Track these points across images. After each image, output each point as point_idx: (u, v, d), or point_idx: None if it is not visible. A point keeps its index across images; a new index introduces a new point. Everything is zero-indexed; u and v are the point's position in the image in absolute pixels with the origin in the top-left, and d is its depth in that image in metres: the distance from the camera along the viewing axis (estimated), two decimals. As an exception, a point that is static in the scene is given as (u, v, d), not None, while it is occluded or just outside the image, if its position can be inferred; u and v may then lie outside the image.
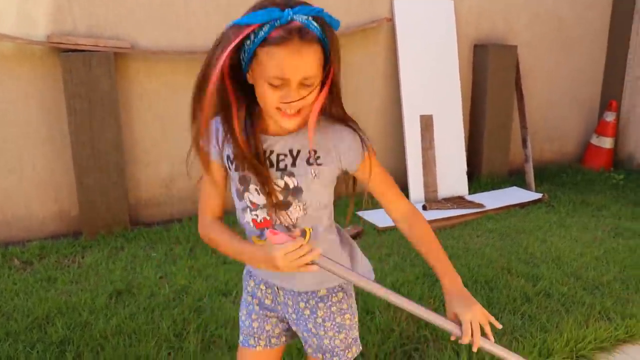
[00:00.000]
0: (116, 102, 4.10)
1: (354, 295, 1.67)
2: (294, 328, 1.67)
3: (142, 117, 4.38)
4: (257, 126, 1.42)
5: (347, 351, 1.62)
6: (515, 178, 5.78)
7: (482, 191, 5.38)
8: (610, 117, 6.26)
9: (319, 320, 1.58)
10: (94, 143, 4.06)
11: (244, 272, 1.73)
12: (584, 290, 3.35)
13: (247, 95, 1.38)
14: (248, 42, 1.27)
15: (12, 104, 3.99)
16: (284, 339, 1.71)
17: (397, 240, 4.12)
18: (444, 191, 5.18)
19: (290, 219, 1.46)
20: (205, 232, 1.55)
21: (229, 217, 1.58)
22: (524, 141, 5.66)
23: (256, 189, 1.45)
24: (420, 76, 5.15)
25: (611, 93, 6.43)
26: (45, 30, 3.98)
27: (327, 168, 1.42)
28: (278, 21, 1.23)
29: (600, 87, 6.53)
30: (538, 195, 5.20)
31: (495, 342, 1.47)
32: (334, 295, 1.59)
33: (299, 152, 1.41)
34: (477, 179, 5.61)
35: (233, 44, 1.26)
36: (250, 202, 1.48)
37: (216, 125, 1.47)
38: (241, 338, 1.71)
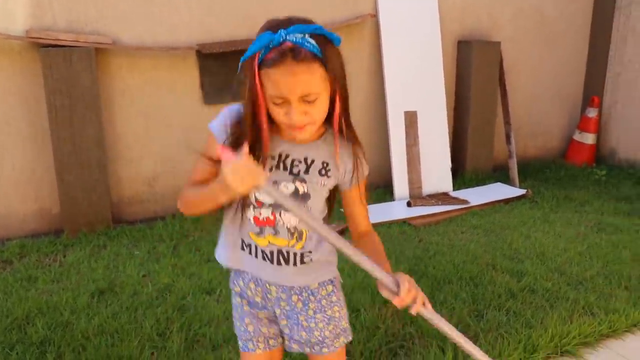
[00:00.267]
0: (97, 98, 4.04)
1: (341, 287, 1.71)
2: (281, 324, 1.66)
3: (125, 113, 4.33)
4: (275, 130, 1.46)
5: (335, 340, 1.67)
6: (499, 174, 5.81)
7: (467, 187, 5.39)
8: (592, 113, 6.30)
9: (310, 312, 1.61)
10: (75, 139, 4.00)
11: (231, 275, 1.70)
12: (568, 286, 3.36)
13: None
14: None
15: (-9, 100, 3.92)
16: (280, 339, 1.71)
17: (382, 236, 4.10)
18: (428, 188, 5.18)
19: (291, 222, 1.52)
20: (180, 196, 1.53)
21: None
22: (508, 137, 5.68)
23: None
24: (405, 72, 5.14)
25: (593, 89, 6.48)
26: (24, 25, 3.91)
27: (332, 181, 1.53)
28: (271, 44, 1.30)
29: (583, 82, 6.58)
30: (522, 191, 5.23)
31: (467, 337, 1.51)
32: (323, 288, 1.63)
33: (313, 161, 1.49)
34: (462, 175, 5.63)
35: (256, 75, 1.32)
36: (256, 199, 1.51)
37: (230, 112, 1.50)
38: (240, 344, 1.71)
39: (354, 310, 2.97)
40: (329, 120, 1.46)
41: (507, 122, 5.70)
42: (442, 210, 4.73)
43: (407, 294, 1.40)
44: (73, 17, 4.03)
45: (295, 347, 1.67)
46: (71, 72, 3.91)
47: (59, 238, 4.05)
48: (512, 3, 5.83)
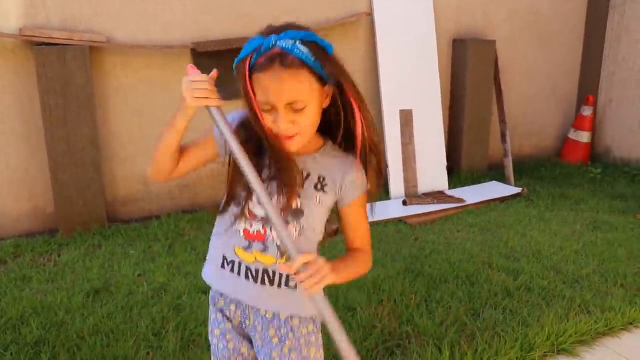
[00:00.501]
0: (92, 97, 4.02)
1: (320, 328, 1.58)
2: (256, 354, 1.57)
3: (119, 112, 4.31)
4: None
5: None
6: (495, 173, 5.81)
7: (462, 186, 5.39)
8: (587, 111, 6.32)
9: (286, 350, 1.50)
10: (70, 139, 3.98)
11: (211, 292, 1.63)
12: (564, 284, 3.36)
13: None
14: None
15: (-16, 99, 3.90)
16: None
17: (378, 235, 4.11)
18: (424, 186, 5.18)
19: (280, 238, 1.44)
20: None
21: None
22: (503, 136, 5.68)
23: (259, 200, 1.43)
24: (400, 71, 5.14)
25: (588, 88, 6.49)
26: (18, 23, 3.89)
27: (330, 197, 1.45)
28: (261, 49, 1.28)
29: (578, 81, 6.59)
30: (518, 190, 5.23)
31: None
32: (304, 326, 1.52)
33: (309, 175, 1.43)
34: (457, 174, 5.63)
35: (247, 77, 1.31)
36: (249, 211, 1.45)
37: (233, 117, 1.47)
38: None
39: (350, 310, 2.96)
40: (327, 132, 1.44)
41: (502, 121, 5.70)
42: (438, 209, 4.72)
43: (298, 264, 1.29)
44: (67, 15, 4.01)
45: None
46: (65, 70, 3.88)
47: (53, 238, 4.03)
48: (507, 2, 5.83)
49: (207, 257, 1.60)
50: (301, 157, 1.42)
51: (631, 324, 2.98)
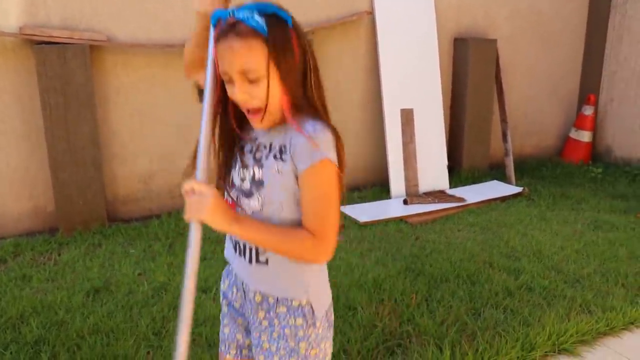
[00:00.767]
0: (92, 96, 4.02)
1: (324, 333, 1.50)
2: (253, 336, 1.55)
3: (119, 111, 4.30)
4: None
5: None
6: (496, 172, 5.80)
7: (463, 185, 5.39)
8: (588, 110, 6.31)
9: (275, 334, 1.47)
10: (70, 137, 3.97)
11: (223, 271, 1.65)
12: (565, 284, 3.36)
13: None
14: None
15: (-16, 97, 3.89)
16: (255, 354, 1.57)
17: (379, 235, 4.11)
18: (425, 185, 5.17)
19: (247, 210, 1.44)
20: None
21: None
22: (504, 135, 5.67)
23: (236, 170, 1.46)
24: (401, 70, 5.13)
25: (589, 87, 6.48)
26: (18, 22, 3.88)
27: (288, 165, 1.37)
28: (222, 20, 1.32)
29: (579, 81, 6.58)
30: (518, 189, 5.22)
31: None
32: (290, 317, 1.45)
33: (271, 145, 1.40)
34: (458, 173, 5.62)
35: (210, 47, 1.38)
36: (231, 181, 1.49)
37: None
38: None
39: (350, 309, 2.96)
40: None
41: (503, 120, 5.70)
42: (438, 208, 4.72)
43: (188, 186, 1.30)
44: (67, 13, 4.00)
45: None
46: (65, 69, 3.88)
47: (53, 236, 4.03)
48: (508, 1, 5.82)
49: None
50: (272, 129, 1.40)
51: (632, 323, 2.98)
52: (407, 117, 5.13)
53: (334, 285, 1.47)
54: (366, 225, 4.31)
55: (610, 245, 3.96)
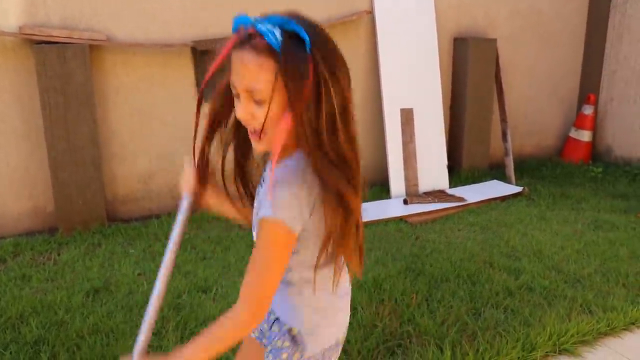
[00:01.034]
0: (91, 96, 4.01)
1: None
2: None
3: (119, 110, 4.30)
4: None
5: None
6: (496, 171, 5.80)
7: (463, 185, 5.38)
8: (588, 110, 6.30)
9: (269, 348, 1.46)
10: (70, 137, 3.97)
11: None
12: (566, 284, 3.35)
13: None
14: None
15: (-16, 97, 3.89)
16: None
17: (379, 234, 4.10)
18: (424, 185, 5.17)
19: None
20: None
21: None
22: (504, 135, 5.67)
23: None
24: (401, 69, 5.12)
25: (589, 86, 6.48)
26: (17, 21, 3.87)
27: (256, 208, 1.31)
28: (243, 27, 1.20)
29: (579, 80, 6.57)
30: (518, 189, 5.22)
31: None
32: (279, 338, 1.43)
33: (262, 183, 1.37)
34: (458, 172, 5.62)
35: (224, 52, 1.24)
36: None
37: None
38: None
39: (350, 309, 2.94)
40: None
41: (503, 120, 5.69)
42: (438, 208, 4.71)
43: None
44: (67, 13, 4.00)
45: None
46: (65, 69, 3.87)
47: (53, 236, 4.02)
48: (508, 1, 5.82)
49: None
50: (269, 163, 1.27)
51: (633, 323, 2.97)
52: (406, 116, 5.13)
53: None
54: (366, 225, 4.29)
55: (610, 245, 3.95)
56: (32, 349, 2.62)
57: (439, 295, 3.15)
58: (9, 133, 3.99)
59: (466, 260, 3.61)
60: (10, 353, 2.58)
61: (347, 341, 2.67)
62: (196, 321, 2.84)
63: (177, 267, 3.50)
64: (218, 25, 4.45)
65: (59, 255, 3.73)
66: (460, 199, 4.91)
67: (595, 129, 6.42)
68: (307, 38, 1.15)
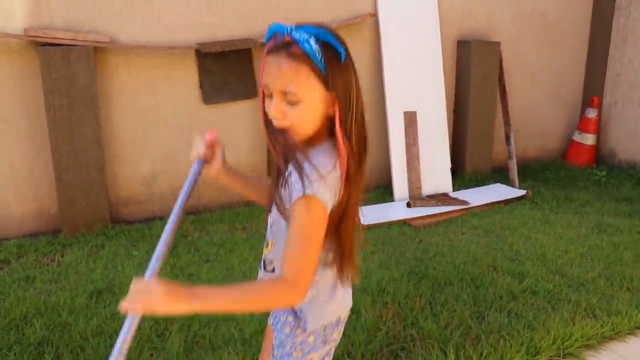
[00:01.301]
0: (95, 98, 4.02)
1: (315, 345, 1.52)
2: None
3: (123, 112, 4.30)
4: None
5: None
6: (499, 175, 5.79)
7: (466, 188, 5.37)
8: (592, 113, 6.29)
9: (277, 341, 1.55)
10: (74, 139, 3.97)
11: None
12: (570, 288, 3.35)
13: None
14: None
15: (-12, 99, 3.89)
16: None
17: (382, 237, 4.10)
18: (428, 188, 5.16)
19: (270, 220, 1.52)
20: None
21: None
22: (507, 138, 5.66)
23: None
24: (404, 72, 5.12)
25: (593, 89, 6.47)
26: (22, 24, 3.88)
27: (286, 195, 1.37)
28: (278, 34, 1.32)
29: (583, 83, 6.57)
30: (522, 192, 5.21)
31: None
32: (282, 313, 1.53)
33: (289, 173, 1.41)
34: (461, 175, 5.61)
35: (263, 60, 1.35)
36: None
37: None
38: None
39: (354, 312, 2.94)
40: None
41: (506, 123, 5.68)
42: (442, 211, 4.71)
43: (131, 287, 1.21)
44: (71, 15, 4.01)
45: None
46: (69, 71, 3.88)
47: (56, 238, 4.02)
48: (511, 4, 5.81)
49: None
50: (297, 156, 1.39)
51: (638, 328, 2.96)
52: (410, 119, 5.13)
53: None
54: (370, 227, 4.30)
55: (614, 249, 3.94)
56: (36, 350, 2.62)
57: (443, 299, 3.14)
58: (13, 135, 3.99)
59: (470, 264, 3.61)
60: (15, 354, 2.58)
61: (351, 344, 2.67)
62: (200, 323, 2.84)
63: (180, 269, 3.50)
64: (222, 27, 4.46)
65: (62, 256, 3.73)
66: (464, 202, 4.90)
67: (599, 132, 6.41)
68: (342, 50, 1.33)
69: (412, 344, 2.72)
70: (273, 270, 1.51)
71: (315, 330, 1.50)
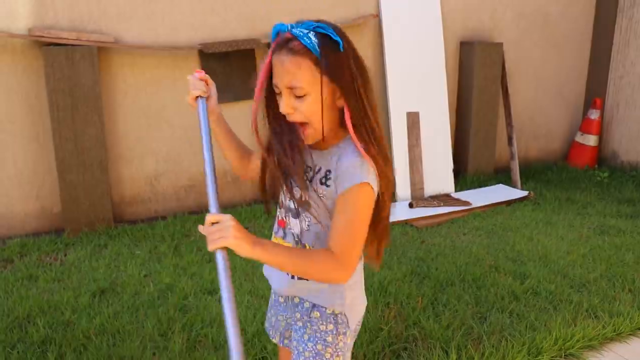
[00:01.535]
0: (99, 98, 4.03)
1: (351, 343, 1.59)
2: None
3: (126, 112, 4.32)
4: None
5: None
6: (501, 176, 5.79)
7: (469, 189, 5.38)
8: (594, 114, 6.29)
9: (305, 337, 1.55)
10: (77, 139, 3.99)
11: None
12: (571, 288, 3.35)
13: None
14: None
15: (-8, 98, 3.91)
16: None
17: (384, 237, 4.09)
18: (430, 189, 5.17)
19: (295, 229, 1.51)
20: None
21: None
22: (510, 139, 5.67)
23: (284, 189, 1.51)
24: (407, 73, 5.13)
25: (595, 91, 6.47)
26: (27, 24, 3.90)
27: (332, 190, 1.42)
28: (280, 34, 1.36)
29: (585, 84, 6.57)
30: (524, 193, 5.21)
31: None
32: (322, 323, 1.53)
33: (320, 169, 1.45)
34: (464, 176, 5.62)
35: (269, 60, 1.39)
36: (281, 201, 1.55)
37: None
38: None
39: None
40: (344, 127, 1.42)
41: (509, 124, 5.69)
42: (444, 212, 4.71)
43: (208, 221, 1.30)
44: (75, 15, 4.02)
45: None
46: (73, 70, 3.89)
47: (60, 237, 4.04)
48: (514, 5, 5.82)
49: None
50: (320, 152, 1.46)
51: (639, 329, 2.96)
52: (412, 120, 5.13)
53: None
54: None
55: (616, 250, 3.94)
56: (39, 348, 2.64)
57: (445, 299, 3.15)
58: (17, 134, 4.01)
59: (472, 264, 3.61)
60: (18, 352, 2.59)
61: (353, 344, 2.67)
62: (202, 323, 2.85)
63: (183, 269, 3.51)
64: (225, 28, 4.47)
65: (65, 256, 3.75)
66: (466, 203, 4.91)
67: (601, 134, 6.41)
68: (339, 39, 1.34)
69: (414, 343, 2.73)
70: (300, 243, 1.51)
71: (354, 329, 1.58)
